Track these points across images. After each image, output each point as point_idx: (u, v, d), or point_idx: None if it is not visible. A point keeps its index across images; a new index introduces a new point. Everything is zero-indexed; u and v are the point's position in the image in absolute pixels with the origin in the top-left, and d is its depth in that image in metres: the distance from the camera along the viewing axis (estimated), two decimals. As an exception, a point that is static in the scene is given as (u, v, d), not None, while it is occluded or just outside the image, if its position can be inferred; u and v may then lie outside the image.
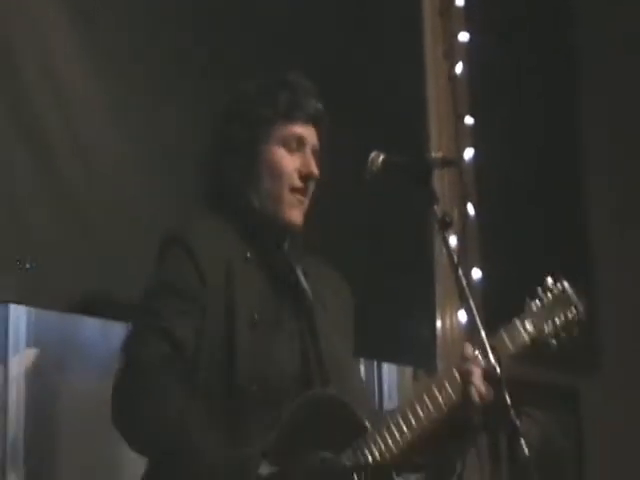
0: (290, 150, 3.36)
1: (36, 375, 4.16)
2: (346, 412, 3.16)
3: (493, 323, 3.31)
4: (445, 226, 3.24)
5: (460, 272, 3.28)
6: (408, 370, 5.52)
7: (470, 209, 5.59)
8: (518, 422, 3.01)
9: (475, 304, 3.19)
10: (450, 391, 3.24)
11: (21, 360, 4.14)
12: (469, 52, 5.76)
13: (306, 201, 3.38)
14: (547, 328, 3.38)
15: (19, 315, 4.13)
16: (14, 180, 3.89)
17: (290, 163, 3.35)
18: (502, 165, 5.78)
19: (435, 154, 4.89)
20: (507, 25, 5.98)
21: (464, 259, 5.35)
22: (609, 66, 6.67)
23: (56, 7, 4.12)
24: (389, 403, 5.43)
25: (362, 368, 5.36)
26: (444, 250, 3.41)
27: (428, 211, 3.29)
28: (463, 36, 5.77)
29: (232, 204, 3.39)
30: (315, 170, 3.36)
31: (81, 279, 4.00)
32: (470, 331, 5.23)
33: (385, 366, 5.44)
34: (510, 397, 3.09)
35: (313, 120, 3.40)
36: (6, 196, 3.85)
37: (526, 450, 2.95)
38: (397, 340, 5.15)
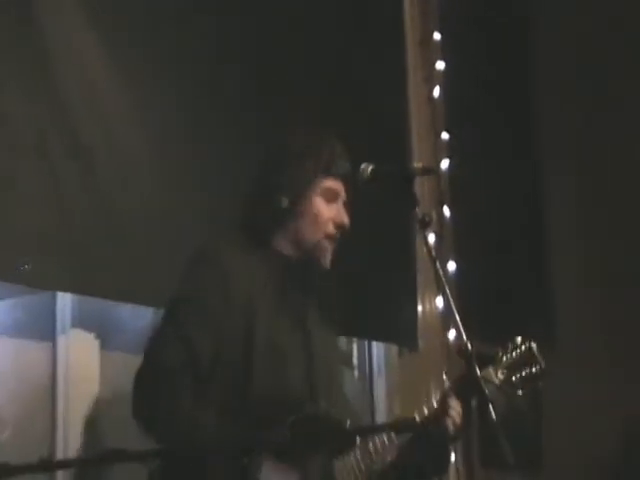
0: (327, 201, 3.36)
1: (79, 352, 4.18)
2: (339, 428, 3.15)
3: (465, 307, 3.31)
4: (425, 225, 3.25)
5: (437, 264, 3.31)
6: (394, 348, 5.54)
7: (446, 211, 5.62)
8: (486, 391, 3.06)
9: (450, 292, 3.21)
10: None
11: (67, 339, 4.14)
12: (445, 78, 5.79)
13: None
14: (514, 379, 3.38)
15: (65, 300, 4.14)
16: (60, 186, 3.90)
17: (327, 212, 3.35)
18: (473, 173, 5.79)
19: (416, 164, 4.97)
20: (477, 55, 5.97)
21: (441, 254, 5.37)
22: (565, 89, 6.70)
23: (90, 26, 4.11)
24: (378, 376, 5.49)
25: (355, 347, 5.43)
26: (424, 245, 3.42)
27: (410, 212, 3.28)
28: (440, 64, 5.80)
29: (265, 243, 3.37)
30: (347, 221, 3.38)
31: (117, 271, 4.01)
32: (446, 314, 5.35)
33: (375, 344, 5.47)
34: (479, 370, 3.16)
35: (344, 177, 3.39)
36: (54, 200, 3.87)
37: (494, 415, 2.98)
38: (385, 322, 5.16)
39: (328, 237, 3.36)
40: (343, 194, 3.40)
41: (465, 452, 5.19)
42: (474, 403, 3.22)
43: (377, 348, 5.52)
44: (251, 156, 3.70)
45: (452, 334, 5.38)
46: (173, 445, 3.04)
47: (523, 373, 3.38)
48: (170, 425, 3.07)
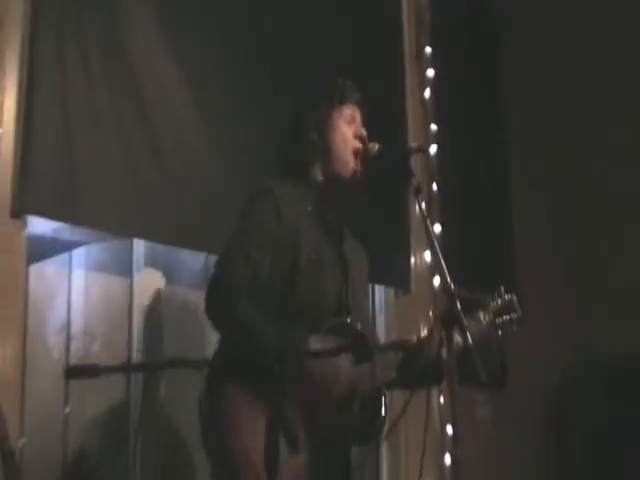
0: (347, 123, 3.31)
1: (150, 285, 4.21)
2: (363, 339, 3.13)
3: (447, 259, 3.29)
4: (418, 192, 3.19)
5: (428, 222, 3.30)
6: (392, 291, 5.52)
7: (434, 186, 5.61)
8: (465, 321, 3.07)
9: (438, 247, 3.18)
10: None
11: (140, 276, 4.17)
12: (434, 83, 5.79)
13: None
14: (497, 321, 3.38)
15: (139, 245, 4.17)
16: (134, 153, 3.91)
17: (349, 131, 3.29)
18: (456, 157, 5.79)
19: (412, 144, 4.98)
20: (459, 64, 5.98)
21: (429, 219, 5.34)
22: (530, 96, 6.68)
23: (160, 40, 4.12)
24: (379, 314, 5.46)
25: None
26: (417, 208, 3.39)
27: (407, 182, 3.22)
28: (430, 72, 5.79)
29: (304, 174, 3.30)
30: (364, 133, 3.32)
31: (179, 222, 4.01)
32: (433, 264, 5.35)
33: (377, 288, 5.45)
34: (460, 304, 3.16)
35: (357, 103, 3.36)
36: (129, 165, 3.88)
37: (470, 340, 3.01)
38: (385, 270, 5.10)
39: (355, 152, 3.29)
40: (358, 117, 3.35)
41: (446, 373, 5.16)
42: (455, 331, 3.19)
43: (378, 291, 5.49)
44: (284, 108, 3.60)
45: (437, 281, 5.38)
46: (234, 332, 3.06)
47: (504, 318, 3.39)
48: (233, 319, 3.04)
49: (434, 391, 5.12)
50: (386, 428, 3.15)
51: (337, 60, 4.89)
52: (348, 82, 3.39)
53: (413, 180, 3.21)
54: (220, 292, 3.07)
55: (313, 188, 3.29)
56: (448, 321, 3.11)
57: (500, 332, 3.42)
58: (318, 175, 3.31)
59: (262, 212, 3.17)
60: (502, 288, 3.42)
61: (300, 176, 3.31)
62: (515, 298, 3.43)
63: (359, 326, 3.16)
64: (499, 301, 3.40)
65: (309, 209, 3.23)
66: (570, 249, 6.68)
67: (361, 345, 3.12)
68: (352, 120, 3.33)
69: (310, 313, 3.10)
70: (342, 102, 3.33)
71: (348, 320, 3.18)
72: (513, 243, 6.30)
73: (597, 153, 6.71)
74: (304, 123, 3.32)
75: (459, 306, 3.04)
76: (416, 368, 3.15)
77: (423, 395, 3.12)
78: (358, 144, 3.30)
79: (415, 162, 5.07)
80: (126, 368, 2.86)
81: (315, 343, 2.98)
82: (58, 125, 3.64)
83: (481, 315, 3.36)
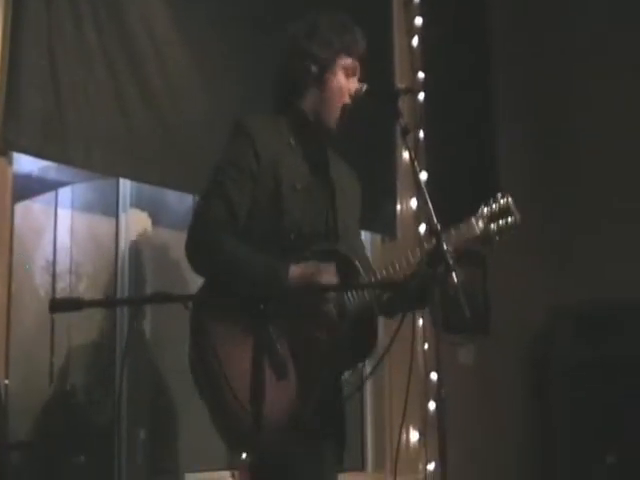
0: (347, 76, 3.24)
1: (136, 226, 4.19)
2: (347, 261, 3.11)
3: (433, 207, 3.26)
4: (405, 133, 3.16)
5: (415, 164, 3.28)
6: (378, 237, 5.54)
7: (420, 133, 5.59)
8: (451, 262, 3.05)
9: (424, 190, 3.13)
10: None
11: (126, 216, 4.15)
12: (422, 31, 5.75)
13: None
14: (492, 227, 3.24)
15: (125, 185, 4.14)
16: (123, 94, 3.87)
17: (346, 84, 3.23)
18: (442, 104, 5.76)
19: (400, 85, 4.94)
20: (447, 12, 5.96)
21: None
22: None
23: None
24: (365, 257, 5.48)
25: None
26: (404, 152, 3.37)
27: (395, 123, 3.18)
28: (418, 20, 5.74)
29: (289, 106, 3.26)
30: (362, 88, 3.24)
31: (165, 163, 3.99)
32: (420, 209, 5.35)
33: (363, 233, 5.39)
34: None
35: (361, 57, 3.29)
36: (118, 106, 3.85)
37: (456, 279, 2.97)
38: (372, 216, 5.04)
39: (342, 105, 3.23)
40: (358, 71, 3.29)
41: (432, 316, 5.17)
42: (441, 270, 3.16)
43: (365, 237, 5.44)
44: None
45: (422, 227, 5.39)
46: (216, 271, 3.04)
47: (500, 222, 3.25)
48: (213, 258, 3.03)
49: (418, 337, 5.15)
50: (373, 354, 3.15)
51: (325, 5, 4.84)
52: (360, 32, 3.30)
53: (401, 121, 3.17)
54: (198, 232, 3.06)
55: (297, 120, 3.25)
56: (434, 260, 3.12)
57: (497, 237, 3.29)
58: (305, 106, 3.26)
59: (237, 149, 3.14)
60: (498, 194, 3.31)
61: (284, 107, 3.28)
62: (512, 201, 3.30)
63: (345, 250, 3.14)
64: (494, 206, 3.28)
65: (291, 141, 3.20)
66: (554, 195, 6.71)
67: (347, 268, 3.09)
68: (352, 74, 3.27)
69: (297, 241, 3.08)
70: (350, 52, 3.26)
71: (334, 246, 3.16)
72: (498, 190, 6.30)
73: (583, 103, 6.71)
74: (308, 52, 3.24)
75: (445, 246, 3.05)
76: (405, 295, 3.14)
77: (408, 341, 3.11)
78: (349, 100, 3.25)
79: (402, 107, 5.08)
80: (110, 302, 2.85)
81: (296, 271, 2.97)
82: (44, 63, 3.60)
83: (473, 220, 3.26)
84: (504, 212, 3.29)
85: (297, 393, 2.98)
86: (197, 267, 3.08)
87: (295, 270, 2.99)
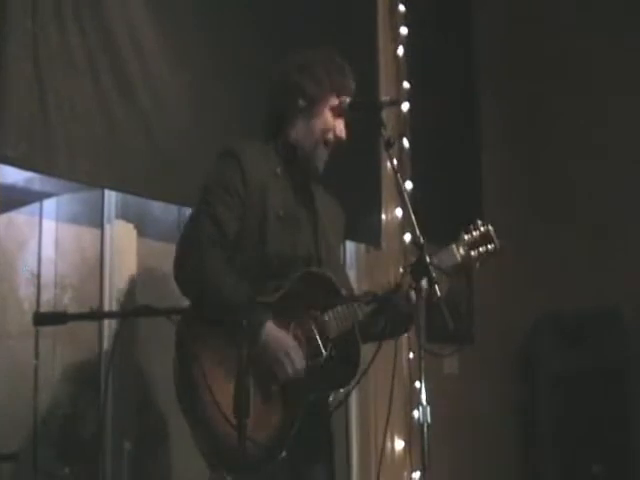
0: (334, 115, 3.29)
1: (121, 237, 4.14)
2: (330, 284, 3.17)
3: (418, 217, 3.27)
4: (389, 145, 3.20)
5: (399, 175, 3.30)
6: (362, 246, 5.53)
7: (405, 142, 5.59)
8: (433, 274, 3.07)
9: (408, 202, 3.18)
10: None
11: (111, 227, 4.12)
12: (407, 40, 5.75)
13: None
14: (473, 254, 3.30)
15: (110, 196, 4.11)
16: (108, 104, 3.83)
17: (332, 123, 3.28)
18: (427, 113, 5.75)
19: (384, 98, 4.96)
20: (431, 22, 5.97)
21: (400, 175, 5.33)
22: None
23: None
24: (350, 268, 5.42)
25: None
26: (388, 162, 3.39)
27: (378, 135, 3.22)
28: (403, 30, 5.75)
29: (277, 136, 3.32)
30: (345, 136, 3.32)
31: (151, 174, 3.96)
32: (404, 220, 5.35)
33: (348, 243, 5.40)
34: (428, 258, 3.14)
35: (350, 94, 3.33)
36: (103, 117, 3.81)
37: (438, 292, 3.00)
38: (356, 226, 5.06)
39: (327, 143, 3.29)
40: (345, 115, 3.33)
41: (415, 327, 5.17)
42: (424, 283, 3.17)
43: (349, 247, 5.48)
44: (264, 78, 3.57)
45: (407, 237, 5.39)
46: (202, 295, 3.06)
47: (480, 249, 3.31)
48: (200, 282, 3.06)
49: (403, 347, 5.14)
50: (357, 376, 3.16)
51: (310, 12, 4.85)
52: (352, 76, 3.36)
53: (384, 133, 3.21)
54: (187, 253, 3.09)
55: (283, 150, 3.30)
56: (417, 273, 3.14)
57: (477, 264, 3.36)
58: (291, 138, 3.31)
59: (226, 172, 3.19)
60: (479, 221, 3.36)
61: (273, 136, 3.33)
62: (492, 229, 3.35)
63: (329, 273, 3.19)
64: (474, 233, 3.33)
65: (278, 170, 3.25)
66: (537, 205, 6.72)
67: (329, 292, 3.14)
68: (339, 115, 3.31)
69: (281, 268, 3.13)
70: (340, 94, 3.30)
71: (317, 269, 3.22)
72: (482, 198, 6.33)
73: (567, 110, 6.73)
74: (298, 86, 3.29)
75: (428, 259, 3.07)
76: (386, 316, 3.16)
77: (392, 350, 3.11)
78: (332, 139, 3.30)
79: (387, 118, 5.08)
80: (95, 315, 2.84)
81: (272, 330, 3.02)
82: (29, 74, 3.56)
83: (454, 247, 3.31)
84: (484, 239, 3.34)
85: (280, 417, 3.00)
86: (182, 289, 3.13)
87: (271, 330, 3.01)
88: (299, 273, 3.14)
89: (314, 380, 3.07)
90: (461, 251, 3.30)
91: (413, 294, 3.12)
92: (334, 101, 3.29)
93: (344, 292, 3.22)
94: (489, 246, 3.33)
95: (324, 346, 3.09)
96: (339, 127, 3.31)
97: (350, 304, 3.14)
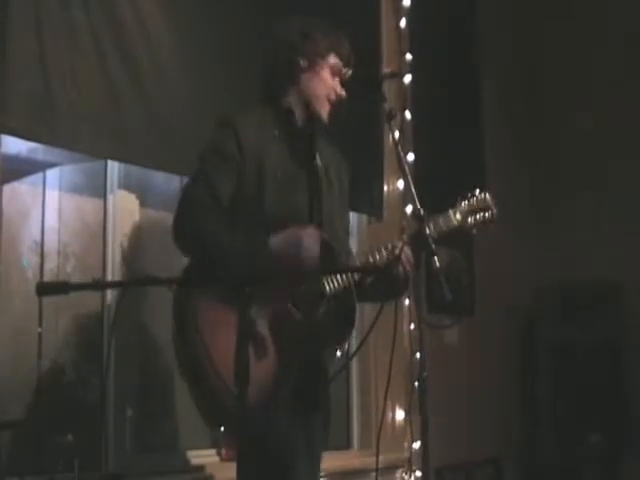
0: (332, 74, 3.36)
1: (124, 207, 4.17)
2: (328, 247, 3.18)
3: (419, 186, 3.29)
4: (390, 117, 3.28)
5: (399, 148, 3.34)
6: (364, 217, 5.58)
7: (407, 114, 5.61)
8: (433, 245, 3.10)
9: (409, 174, 3.25)
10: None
11: (114, 197, 4.15)
12: (410, 12, 5.75)
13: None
14: (470, 220, 3.37)
15: (113, 166, 4.13)
16: (111, 76, 3.86)
17: (331, 82, 3.35)
18: (429, 86, 5.78)
19: (385, 69, 4.97)
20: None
21: (403, 147, 5.36)
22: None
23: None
24: (351, 238, 5.45)
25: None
26: (389, 134, 3.42)
27: (379, 107, 3.30)
28: (406, 1, 5.75)
29: (275, 99, 3.36)
30: (344, 93, 3.38)
31: (153, 145, 3.98)
32: (405, 192, 5.37)
33: (350, 214, 5.43)
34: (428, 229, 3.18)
35: (346, 60, 3.40)
36: (106, 88, 3.83)
37: (437, 263, 3.05)
38: (359, 197, 5.08)
39: (329, 100, 3.36)
40: (343, 73, 3.40)
41: (415, 298, 5.20)
42: (423, 254, 3.21)
43: (352, 217, 5.43)
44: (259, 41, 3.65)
45: (409, 209, 5.41)
46: (200, 252, 3.12)
47: (477, 216, 3.38)
48: (198, 239, 3.11)
49: (403, 318, 5.18)
50: (355, 343, 3.20)
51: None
52: (345, 37, 3.43)
53: (385, 105, 3.28)
54: (182, 216, 3.15)
55: (281, 112, 3.34)
56: (417, 245, 3.18)
57: (474, 230, 3.41)
58: (291, 100, 3.35)
59: (220, 139, 3.24)
60: (476, 190, 3.42)
61: (271, 98, 3.37)
62: (489, 196, 3.41)
63: (325, 236, 3.20)
64: (472, 200, 3.39)
65: (276, 133, 3.28)
66: (540, 175, 6.75)
67: (326, 253, 3.15)
68: (337, 73, 3.38)
69: (280, 228, 3.13)
70: (337, 52, 3.37)
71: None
72: (484, 170, 6.34)
73: (569, 86, 6.74)
74: (299, 47, 3.34)
75: (428, 231, 3.10)
76: (382, 284, 3.21)
77: (393, 321, 3.14)
78: (333, 97, 3.36)
79: (389, 90, 5.09)
80: (97, 285, 2.87)
81: (277, 239, 3.06)
82: (32, 44, 3.57)
83: (451, 213, 3.36)
84: (482, 206, 3.41)
85: (276, 372, 3.04)
86: (183, 248, 3.18)
87: (276, 241, 3.06)
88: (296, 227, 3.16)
89: (308, 336, 3.12)
90: (458, 216, 3.37)
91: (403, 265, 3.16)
92: (333, 59, 3.36)
93: (338, 251, 3.23)
94: (486, 213, 3.40)
95: (319, 302, 3.13)
96: (338, 85, 3.38)
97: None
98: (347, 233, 3.61)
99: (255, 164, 3.20)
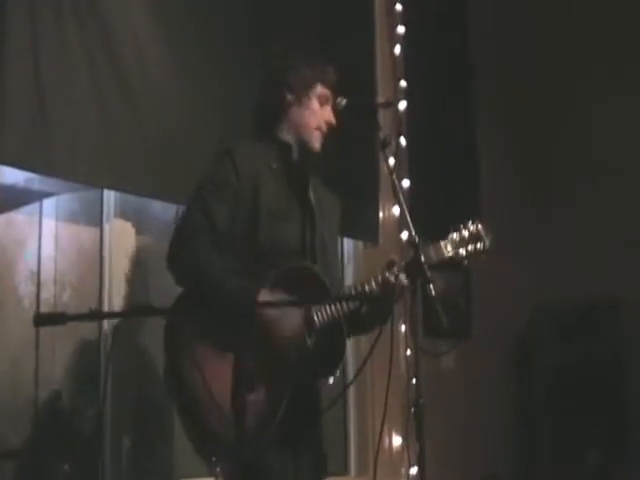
0: (320, 104, 3.38)
1: (120, 236, 4.19)
2: (318, 280, 3.20)
3: (414, 213, 3.30)
4: (385, 145, 3.26)
5: (394, 176, 3.33)
6: (360, 243, 5.58)
7: (402, 140, 5.63)
8: (428, 273, 3.10)
9: (404, 201, 3.23)
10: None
11: (111, 226, 4.16)
12: (404, 39, 5.79)
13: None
14: (461, 252, 3.33)
15: (109, 195, 4.15)
16: (107, 105, 3.87)
17: (320, 111, 3.37)
18: (424, 113, 5.80)
19: (380, 99, 4.99)
20: (428, 22, 6.01)
21: (398, 173, 5.39)
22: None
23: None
24: (348, 264, 5.54)
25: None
26: (384, 162, 3.42)
27: (374, 135, 3.28)
28: (400, 29, 5.79)
29: (272, 133, 3.38)
30: (334, 120, 3.40)
31: (149, 174, 4.00)
32: (400, 218, 5.38)
33: (346, 240, 5.50)
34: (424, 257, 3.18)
35: (333, 87, 3.41)
36: (102, 117, 3.85)
37: (433, 291, 3.03)
38: (355, 223, 5.14)
39: (319, 129, 3.38)
40: (331, 100, 3.41)
41: (412, 325, 5.20)
42: (419, 282, 3.21)
43: (347, 243, 5.55)
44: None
45: (404, 234, 5.42)
46: (194, 283, 3.13)
47: (469, 248, 3.34)
48: (192, 270, 3.13)
49: (400, 344, 5.18)
50: (351, 376, 3.20)
51: (308, 13, 4.89)
52: (330, 65, 3.44)
53: (380, 134, 3.27)
54: (178, 243, 3.17)
55: (279, 146, 3.36)
56: (412, 272, 3.18)
57: (466, 262, 3.41)
58: (285, 133, 3.38)
59: (219, 170, 3.27)
60: (469, 221, 3.38)
61: (267, 132, 3.39)
62: (481, 227, 3.38)
63: (317, 269, 3.22)
64: (463, 231, 3.36)
65: (274, 166, 3.31)
66: (536, 197, 6.75)
67: (317, 287, 3.17)
68: (325, 102, 3.41)
69: (273, 261, 3.16)
70: (323, 82, 3.40)
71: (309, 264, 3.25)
72: (480, 193, 6.36)
73: (565, 106, 6.76)
74: (285, 82, 3.37)
75: (423, 258, 3.11)
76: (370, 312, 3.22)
77: (388, 348, 3.14)
78: (324, 126, 3.39)
79: (384, 117, 5.11)
80: (94, 316, 2.88)
81: (265, 295, 3.06)
82: (29, 75, 3.61)
83: (442, 245, 3.34)
84: (474, 238, 3.37)
85: (265, 404, 3.04)
86: (177, 276, 3.18)
87: (264, 295, 3.06)
88: (289, 264, 3.19)
89: (297, 369, 3.11)
90: (449, 248, 3.34)
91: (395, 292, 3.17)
92: (319, 89, 3.39)
93: (330, 286, 3.23)
94: (478, 245, 3.36)
95: (309, 336, 3.13)
96: (328, 114, 3.40)
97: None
98: (338, 267, 3.63)
99: (251, 195, 3.22)
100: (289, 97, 3.36)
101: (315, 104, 3.38)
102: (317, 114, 3.38)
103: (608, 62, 6.59)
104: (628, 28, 6.56)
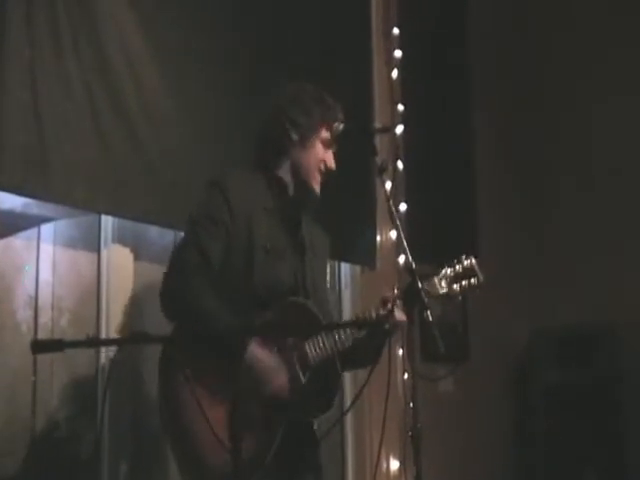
0: (324, 147, 3.37)
1: (118, 261, 4.19)
2: (313, 316, 3.22)
3: (412, 237, 3.33)
4: (382, 170, 3.30)
5: (391, 202, 3.35)
6: (357, 267, 5.57)
7: (399, 165, 5.64)
8: (426, 299, 3.11)
9: (401, 226, 3.27)
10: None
11: (108, 251, 4.16)
12: (401, 63, 5.80)
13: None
14: (455, 287, 3.33)
15: (107, 221, 4.15)
16: (103, 129, 3.88)
17: (322, 154, 3.36)
18: (421, 137, 5.81)
19: (377, 124, 5.01)
20: (426, 46, 6.03)
21: (395, 197, 5.40)
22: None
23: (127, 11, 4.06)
24: (345, 288, 5.52)
25: (328, 266, 5.45)
26: (381, 187, 3.43)
27: (371, 161, 3.33)
28: (398, 53, 5.81)
29: (270, 169, 3.37)
30: (334, 167, 3.39)
31: (147, 200, 4.01)
32: (398, 243, 5.38)
33: (343, 264, 5.50)
34: (423, 282, 3.19)
35: (339, 134, 3.39)
36: (99, 142, 3.85)
37: (430, 317, 3.04)
38: (352, 248, 5.18)
39: (320, 173, 3.37)
40: (335, 145, 3.41)
41: (409, 349, 5.20)
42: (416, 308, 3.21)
43: (345, 267, 5.54)
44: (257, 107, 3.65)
45: (401, 259, 5.42)
46: (185, 320, 3.13)
47: (463, 283, 3.34)
48: (183, 307, 3.13)
49: (397, 369, 5.18)
50: (348, 401, 3.20)
51: (306, 38, 4.90)
52: (339, 108, 3.42)
53: (377, 159, 3.31)
54: (173, 280, 3.17)
55: (275, 184, 3.36)
56: (409, 299, 3.19)
57: (459, 297, 3.41)
58: (283, 171, 3.37)
59: (211, 203, 3.25)
60: (463, 256, 3.39)
61: (264, 168, 3.39)
62: (475, 262, 3.38)
63: (312, 305, 3.24)
64: (457, 266, 3.36)
65: (267, 203, 3.31)
66: (533, 219, 6.76)
67: (311, 323, 3.20)
68: (329, 146, 3.39)
69: (267, 298, 3.17)
70: (329, 125, 3.37)
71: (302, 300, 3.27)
72: (477, 218, 6.36)
73: (564, 127, 6.78)
74: (291, 119, 3.35)
75: (420, 284, 3.12)
76: (367, 346, 3.22)
77: (387, 371, 3.14)
78: (324, 170, 3.38)
79: (381, 141, 5.13)
80: (91, 342, 2.88)
81: (256, 349, 3.07)
82: (26, 98, 3.61)
83: (436, 281, 3.33)
84: (467, 272, 3.37)
85: (260, 437, 3.05)
86: (171, 313, 3.19)
87: (254, 349, 3.07)
88: (282, 302, 3.20)
89: (293, 405, 3.12)
90: (443, 284, 3.34)
91: (391, 323, 3.17)
92: (324, 133, 3.36)
93: (324, 320, 3.27)
94: (472, 280, 3.36)
95: (303, 373, 3.14)
96: (329, 158, 3.39)
97: (330, 335, 3.18)
98: (329, 301, 3.62)
99: (245, 232, 3.22)
100: (294, 137, 3.34)
101: (319, 147, 3.37)
102: (319, 156, 3.36)
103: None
104: (628, 28, 6.59)
